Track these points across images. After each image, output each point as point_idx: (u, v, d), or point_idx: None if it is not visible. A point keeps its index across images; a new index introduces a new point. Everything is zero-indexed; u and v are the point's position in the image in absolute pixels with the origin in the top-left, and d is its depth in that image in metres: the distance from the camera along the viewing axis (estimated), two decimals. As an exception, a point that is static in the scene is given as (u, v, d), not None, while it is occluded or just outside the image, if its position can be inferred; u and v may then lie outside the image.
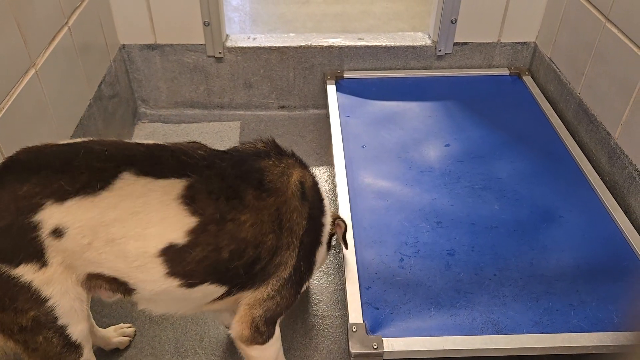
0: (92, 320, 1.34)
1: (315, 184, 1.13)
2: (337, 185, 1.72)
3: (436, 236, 1.56)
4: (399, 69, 2.28)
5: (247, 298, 1.07)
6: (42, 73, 1.48)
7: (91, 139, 0.98)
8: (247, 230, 0.98)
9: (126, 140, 1.00)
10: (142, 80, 2.24)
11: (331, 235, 1.23)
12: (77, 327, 0.99)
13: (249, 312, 1.07)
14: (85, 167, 0.90)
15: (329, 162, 2.07)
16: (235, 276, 1.01)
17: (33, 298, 0.91)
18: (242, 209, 0.97)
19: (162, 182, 0.93)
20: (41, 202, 0.87)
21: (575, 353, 1.28)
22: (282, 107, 2.36)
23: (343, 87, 2.20)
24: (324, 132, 2.24)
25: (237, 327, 1.09)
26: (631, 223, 1.56)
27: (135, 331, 1.47)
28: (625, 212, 1.60)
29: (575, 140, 1.88)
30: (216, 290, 1.02)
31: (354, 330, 1.27)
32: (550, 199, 1.68)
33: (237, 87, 2.28)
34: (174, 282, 0.96)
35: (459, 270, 1.46)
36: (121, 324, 1.47)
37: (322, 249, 1.15)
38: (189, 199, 0.93)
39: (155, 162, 0.95)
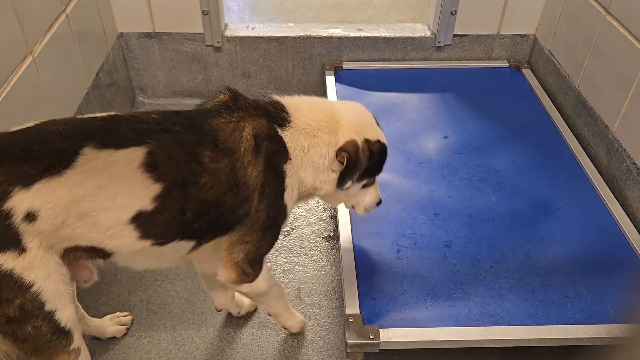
0: (83, 310, 1.34)
1: (272, 132, 1.10)
2: (335, 176, 1.72)
3: (433, 228, 1.56)
4: (398, 60, 2.28)
5: (223, 243, 1.12)
6: (39, 60, 1.47)
7: (43, 120, 0.98)
8: (207, 192, 1.02)
9: (78, 116, 1.01)
10: (140, 69, 2.23)
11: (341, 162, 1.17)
12: (65, 311, 0.99)
13: (230, 258, 1.13)
14: (46, 149, 0.91)
15: (327, 153, 2.07)
16: (201, 232, 1.07)
17: (17, 286, 0.91)
18: (201, 172, 1.00)
19: (122, 152, 0.95)
20: (9, 190, 0.88)
21: (570, 345, 1.29)
22: (281, 98, 2.35)
23: (342, 77, 2.19)
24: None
25: (223, 273, 1.15)
26: (628, 216, 1.56)
27: (132, 319, 1.48)
28: (622, 206, 1.60)
29: (574, 133, 1.88)
30: (187, 244, 1.08)
31: (351, 320, 1.28)
32: (547, 192, 1.68)
33: (236, 76, 2.27)
34: (146, 243, 1.01)
35: (455, 262, 1.47)
36: (117, 313, 1.48)
37: (290, 192, 1.15)
38: (151, 166, 0.96)
39: (113, 133, 0.97)
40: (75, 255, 1.00)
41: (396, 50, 2.25)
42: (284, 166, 1.12)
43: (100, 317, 1.43)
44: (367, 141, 1.19)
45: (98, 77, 1.89)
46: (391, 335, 1.25)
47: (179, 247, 1.07)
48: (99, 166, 0.93)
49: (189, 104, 2.31)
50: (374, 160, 1.22)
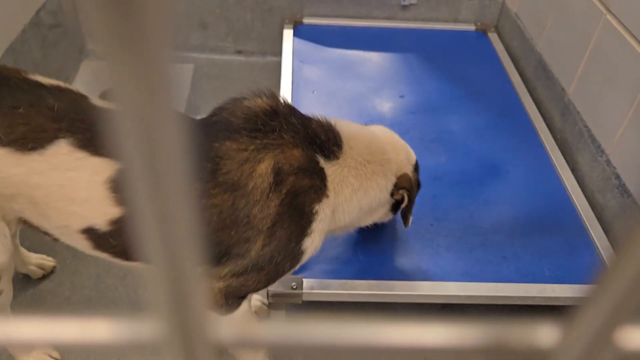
0: (17, 240, 1.28)
1: (309, 165, 0.93)
2: (280, 128, 1.65)
3: (376, 184, 1.50)
4: (361, 17, 2.19)
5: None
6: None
7: (60, 85, 0.90)
8: None
9: (88, 99, 0.90)
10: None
11: (397, 203, 1.13)
12: None
13: (209, 280, 0.95)
14: (27, 120, 0.83)
15: (281, 109, 1.99)
16: None
17: None
18: None
19: (95, 160, 0.84)
20: None
21: (502, 303, 1.25)
22: (239, 52, 2.26)
23: (301, 32, 2.11)
24: (280, 79, 2.16)
25: None
26: (576, 180, 1.52)
27: (54, 267, 1.41)
28: (572, 170, 1.56)
29: (532, 97, 1.83)
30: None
31: (276, 270, 1.22)
32: (499, 154, 1.63)
33: (192, 26, 2.18)
34: (105, 254, 0.92)
35: (395, 218, 1.41)
36: (44, 256, 1.41)
37: (314, 239, 0.96)
38: (118, 186, 0.84)
39: (98, 135, 0.85)
40: (34, 227, 0.94)
41: (360, 7, 2.17)
42: (316, 207, 0.94)
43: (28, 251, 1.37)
44: (414, 169, 1.14)
45: (39, 15, 1.79)
46: (314, 286, 1.20)
47: (152, 267, 0.95)
48: (66, 165, 0.83)
49: (142, 53, 2.21)
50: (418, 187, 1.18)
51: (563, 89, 1.67)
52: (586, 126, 1.53)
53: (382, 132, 1.12)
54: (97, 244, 0.90)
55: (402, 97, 1.85)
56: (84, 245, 0.90)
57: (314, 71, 1.92)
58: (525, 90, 1.86)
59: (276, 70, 2.21)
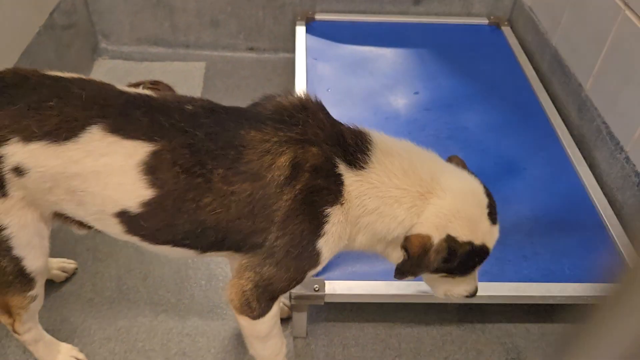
0: None
1: (326, 166, 0.91)
2: (296, 127, 1.65)
3: (394, 183, 1.50)
4: (374, 13, 2.18)
5: (235, 260, 0.99)
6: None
7: (81, 77, 0.92)
8: (207, 214, 0.89)
9: (113, 86, 0.92)
10: (102, 13, 2.12)
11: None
12: (35, 262, 0.99)
13: (239, 282, 0.97)
14: (58, 111, 0.85)
15: (294, 106, 1.99)
16: (197, 248, 0.95)
17: None
18: (205, 191, 0.87)
19: (127, 143, 0.86)
20: (7, 137, 0.85)
21: (524, 303, 1.25)
22: (251, 49, 2.26)
23: (314, 29, 2.10)
24: (292, 76, 2.15)
25: (228, 291, 0.99)
26: (594, 177, 1.51)
27: (76, 268, 1.42)
28: (590, 166, 1.55)
29: (548, 93, 1.82)
30: (185, 251, 0.96)
31: (297, 272, 1.23)
32: (515, 151, 1.62)
33: (204, 24, 2.17)
34: (134, 238, 0.94)
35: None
36: (64, 259, 1.42)
37: (330, 241, 0.93)
38: (150, 169, 0.86)
39: (128, 119, 0.87)
40: (66, 220, 0.98)
41: (372, 3, 2.16)
42: (328, 209, 0.91)
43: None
44: (449, 239, 0.92)
45: (52, 17, 1.79)
46: (336, 288, 1.20)
47: (176, 252, 0.96)
48: (100, 150, 0.85)
49: (154, 52, 2.21)
50: (456, 262, 0.95)
51: (580, 85, 1.66)
52: (604, 122, 1.52)
53: (453, 178, 0.97)
54: (129, 228, 0.92)
55: (416, 93, 1.84)
56: (116, 229, 0.93)
57: (327, 68, 1.92)
58: (541, 86, 1.84)
59: (288, 66, 2.21)
